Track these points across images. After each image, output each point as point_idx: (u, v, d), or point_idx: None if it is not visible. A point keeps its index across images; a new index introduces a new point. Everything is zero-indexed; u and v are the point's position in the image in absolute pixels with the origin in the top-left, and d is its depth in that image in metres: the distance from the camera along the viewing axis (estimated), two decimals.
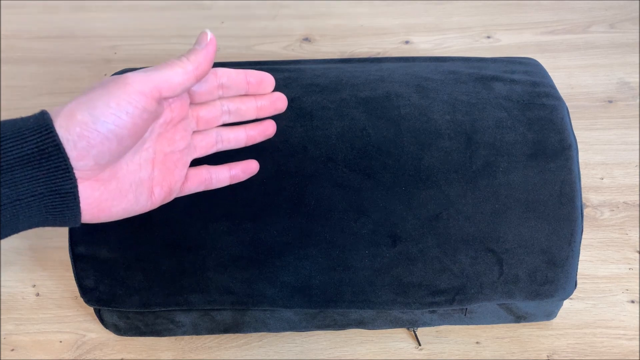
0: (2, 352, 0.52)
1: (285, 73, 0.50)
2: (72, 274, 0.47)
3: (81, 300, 0.50)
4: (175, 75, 0.32)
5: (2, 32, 0.82)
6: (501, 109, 0.46)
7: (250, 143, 0.39)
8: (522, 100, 0.47)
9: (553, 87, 0.49)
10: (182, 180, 0.37)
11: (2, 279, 0.57)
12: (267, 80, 0.38)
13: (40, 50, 0.80)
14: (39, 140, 0.29)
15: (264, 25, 0.83)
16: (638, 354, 0.51)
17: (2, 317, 0.55)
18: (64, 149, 0.29)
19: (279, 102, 0.39)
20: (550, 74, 0.51)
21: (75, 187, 0.30)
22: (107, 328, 0.52)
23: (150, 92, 0.31)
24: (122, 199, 0.33)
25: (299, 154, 0.44)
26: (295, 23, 0.82)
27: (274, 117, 0.42)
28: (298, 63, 0.54)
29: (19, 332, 0.54)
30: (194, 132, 0.38)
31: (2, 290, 0.57)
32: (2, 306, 0.56)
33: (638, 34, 0.79)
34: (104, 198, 0.32)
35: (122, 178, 0.33)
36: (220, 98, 0.38)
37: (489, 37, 0.80)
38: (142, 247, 0.45)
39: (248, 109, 0.38)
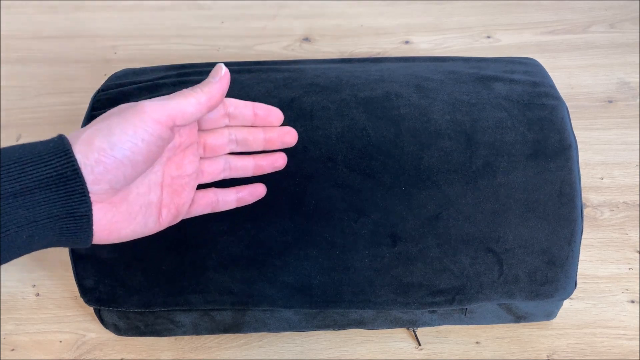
0: (2, 352, 0.52)
1: (285, 73, 0.50)
2: (72, 274, 0.47)
3: (81, 300, 0.50)
4: (189, 105, 0.33)
5: (2, 32, 0.82)
6: (501, 109, 0.46)
7: (258, 173, 0.40)
8: (522, 100, 0.47)
9: (553, 87, 0.49)
10: (189, 203, 0.38)
11: (2, 279, 0.57)
12: (275, 113, 0.39)
13: (40, 50, 0.80)
14: (58, 164, 0.29)
15: (263, 25, 0.82)
16: (638, 354, 0.51)
17: (2, 317, 0.55)
18: (81, 174, 0.30)
19: (288, 137, 0.40)
20: (550, 74, 0.51)
21: (90, 210, 0.31)
22: (107, 328, 0.52)
23: (165, 120, 0.32)
24: (132, 220, 0.34)
25: (299, 154, 0.44)
26: (295, 23, 0.82)
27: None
28: (298, 63, 0.54)
29: (19, 332, 0.54)
30: (203, 158, 0.39)
31: (2, 290, 0.57)
32: (2, 306, 0.56)
33: (638, 34, 0.79)
34: (115, 220, 0.33)
35: (132, 201, 0.34)
36: (227, 127, 0.38)
37: (489, 37, 0.80)
38: (142, 247, 0.45)
39: (255, 139, 0.39)
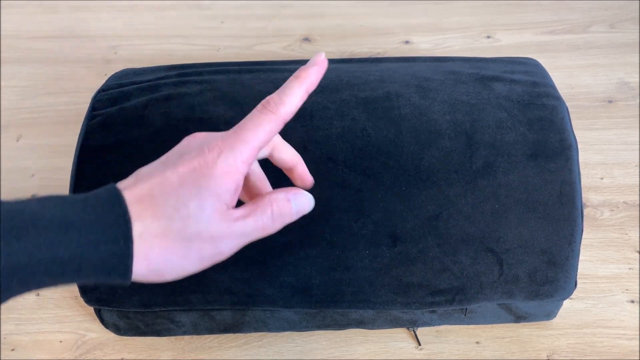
0: (2, 352, 0.52)
1: (286, 73, 0.50)
2: None
3: (81, 300, 0.50)
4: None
5: (2, 32, 0.82)
6: (501, 109, 0.46)
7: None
8: (522, 101, 0.47)
9: (553, 87, 0.49)
10: None
11: None
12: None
13: (40, 50, 0.80)
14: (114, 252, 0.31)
15: (264, 25, 0.83)
16: (638, 354, 0.51)
17: (2, 317, 0.55)
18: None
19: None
20: (550, 74, 0.51)
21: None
22: (107, 328, 0.52)
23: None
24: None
25: (300, 154, 0.44)
26: (295, 23, 0.82)
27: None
28: (298, 63, 0.54)
29: (19, 332, 0.54)
30: None
31: None
32: (2, 306, 0.56)
33: (638, 34, 0.79)
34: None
35: None
36: None
37: (489, 37, 0.80)
38: None
39: None
